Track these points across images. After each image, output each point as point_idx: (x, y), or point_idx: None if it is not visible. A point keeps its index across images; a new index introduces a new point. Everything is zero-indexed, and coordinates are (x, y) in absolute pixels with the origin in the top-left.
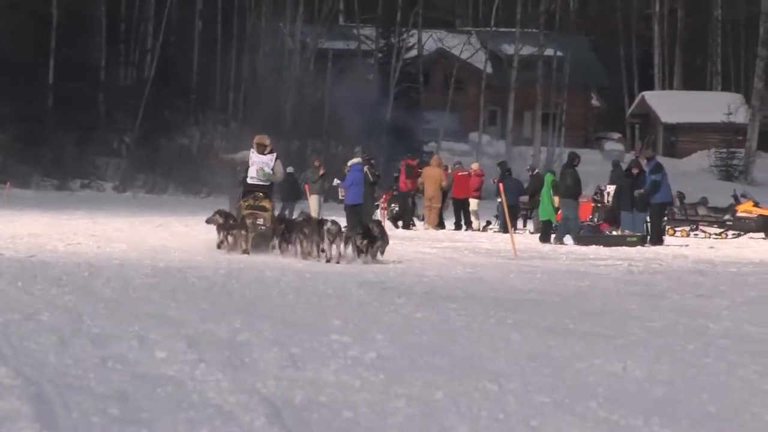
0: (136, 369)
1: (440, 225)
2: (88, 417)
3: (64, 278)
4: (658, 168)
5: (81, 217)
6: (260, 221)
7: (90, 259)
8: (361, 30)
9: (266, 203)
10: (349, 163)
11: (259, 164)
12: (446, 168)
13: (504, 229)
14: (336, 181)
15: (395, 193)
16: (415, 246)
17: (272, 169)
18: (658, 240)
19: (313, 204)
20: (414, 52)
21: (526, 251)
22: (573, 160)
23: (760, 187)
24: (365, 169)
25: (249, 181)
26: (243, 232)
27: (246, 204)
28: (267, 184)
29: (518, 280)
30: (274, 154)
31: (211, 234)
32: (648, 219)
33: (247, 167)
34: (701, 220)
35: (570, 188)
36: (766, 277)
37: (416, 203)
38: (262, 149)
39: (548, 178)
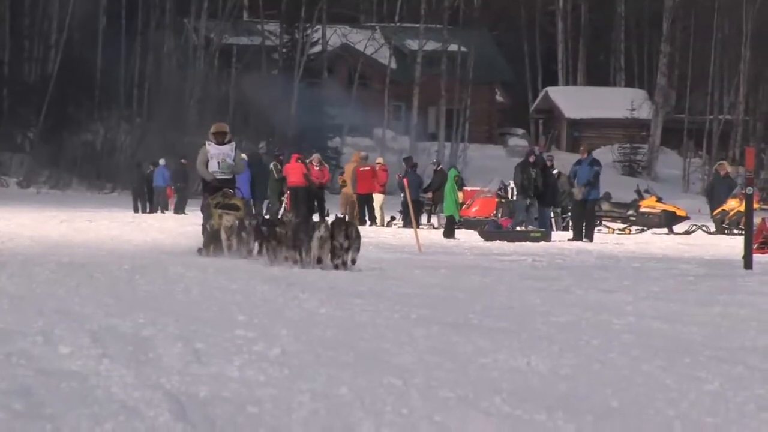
0: (40, 364)
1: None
2: None
3: None
4: (597, 162)
5: None
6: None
7: None
8: (265, 26)
9: (237, 201)
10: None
11: (220, 156)
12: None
13: (408, 224)
14: None
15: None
16: None
17: (233, 160)
18: (591, 238)
19: None
20: (318, 48)
21: (430, 246)
22: (528, 156)
23: (663, 183)
24: (271, 165)
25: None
26: (223, 235)
27: (215, 202)
28: (230, 177)
29: (422, 275)
30: (233, 144)
31: (114, 230)
32: (552, 214)
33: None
34: (605, 215)
35: (518, 184)
36: (670, 273)
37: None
38: (221, 138)
39: (451, 173)
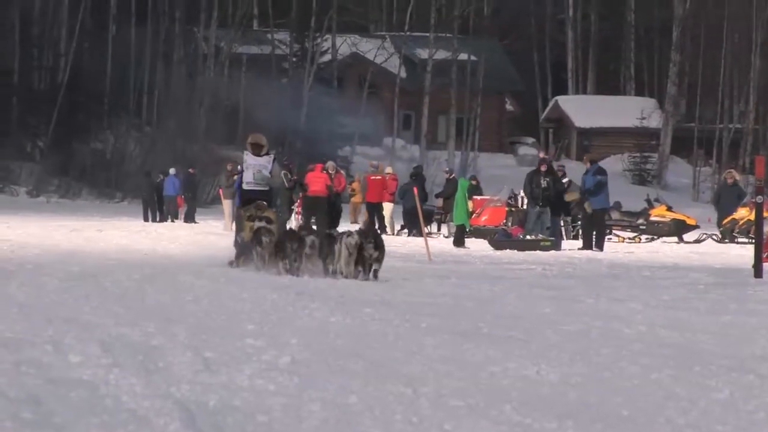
0: (49, 373)
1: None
2: (1, 421)
3: None
4: (602, 171)
5: None
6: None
7: (3, 263)
8: (275, 34)
9: (270, 214)
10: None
11: (256, 167)
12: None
13: (419, 233)
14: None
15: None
16: None
17: (270, 172)
18: (600, 246)
19: (226, 209)
20: (328, 57)
21: (440, 255)
22: (539, 165)
23: (673, 192)
24: (281, 173)
25: (245, 187)
26: (258, 248)
27: (248, 215)
28: (266, 189)
29: (432, 284)
30: (272, 156)
31: (124, 239)
32: (562, 223)
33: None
34: (615, 224)
35: (528, 193)
36: (680, 281)
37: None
38: (258, 150)
39: (462, 183)
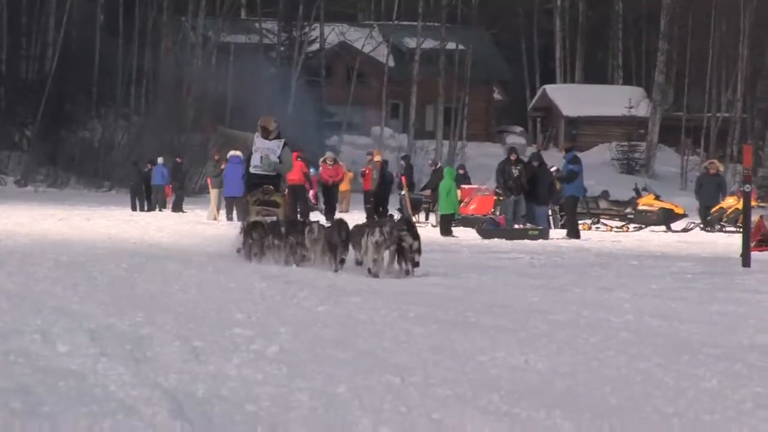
0: (38, 363)
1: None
2: None
3: None
4: (576, 159)
5: None
6: (272, 218)
7: None
8: (263, 24)
9: (277, 198)
10: (228, 155)
11: (264, 151)
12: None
13: None
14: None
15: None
16: None
17: (279, 158)
18: (574, 233)
19: (213, 198)
20: (316, 46)
21: (428, 245)
22: (509, 155)
23: (661, 181)
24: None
25: (252, 170)
26: (276, 241)
27: (254, 199)
28: (273, 174)
29: (420, 273)
30: (282, 140)
31: (112, 228)
32: (550, 213)
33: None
34: (603, 213)
35: (500, 184)
36: (668, 270)
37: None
38: (266, 133)
39: (449, 171)
